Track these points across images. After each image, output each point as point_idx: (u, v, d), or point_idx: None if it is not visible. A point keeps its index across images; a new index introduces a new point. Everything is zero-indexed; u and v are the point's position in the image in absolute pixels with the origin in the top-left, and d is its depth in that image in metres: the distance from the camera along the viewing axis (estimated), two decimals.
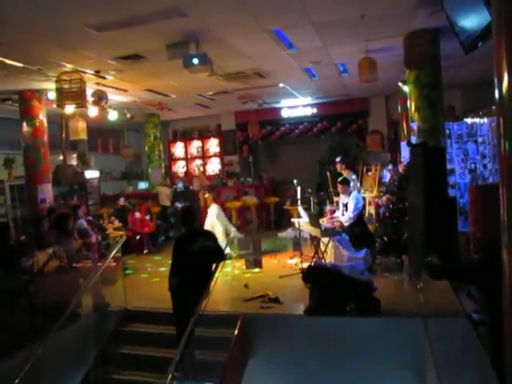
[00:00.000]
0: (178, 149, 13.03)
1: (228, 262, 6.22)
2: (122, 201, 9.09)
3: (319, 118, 11.61)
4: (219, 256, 4.25)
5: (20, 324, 4.17)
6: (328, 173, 8.68)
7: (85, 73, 6.24)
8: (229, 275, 6.25)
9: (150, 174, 11.58)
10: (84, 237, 5.95)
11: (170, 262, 4.17)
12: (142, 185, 12.10)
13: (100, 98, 6.65)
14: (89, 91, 6.53)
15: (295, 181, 8.05)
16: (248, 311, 4.77)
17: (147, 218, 9.24)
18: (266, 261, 6.78)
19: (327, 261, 5.77)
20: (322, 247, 6.16)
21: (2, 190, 8.60)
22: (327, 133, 11.29)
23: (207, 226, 7.12)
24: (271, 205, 10.77)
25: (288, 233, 9.36)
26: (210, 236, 4.31)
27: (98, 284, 4.96)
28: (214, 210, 7.39)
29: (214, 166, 12.71)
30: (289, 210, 9.54)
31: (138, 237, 8.57)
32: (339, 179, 6.23)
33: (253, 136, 11.56)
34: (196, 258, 4.05)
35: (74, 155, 10.92)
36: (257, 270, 6.40)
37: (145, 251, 8.54)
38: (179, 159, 13.01)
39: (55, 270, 4.98)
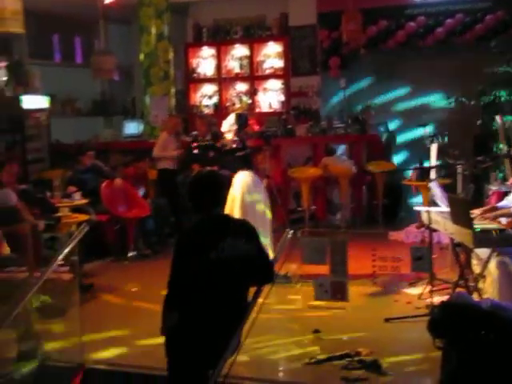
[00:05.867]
0: (204, 61, 13.18)
1: (281, 282, 6.24)
2: (90, 156, 9.29)
3: (491, 2, 11.32)
4: (264, 273, 4.25)
5: None
6: (499, 117, 8.58)
7: None
8: (283, 312, 6.34)
9: (147, 108, 11.79)
10: (8, 222, 6.10)
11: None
12: (132, 127, 12.35)
13: None
14: None
15: (428, 129, 7.91)
16: None
17: (139, 191, 9.41)
18: (358, 288, 6.85)
19: (484, 296, 5.69)
20: (476, 267, 6.12)
21: None
22: (504, 35, 11.09)
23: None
24: (380, 177, 10.73)
25: (408, 234, 9.35)
26: (248, 232, 4.27)
27: (29, 314, 5.06)
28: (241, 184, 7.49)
29: (271, 97, 12.75)
30: (413, 187, 9.57)
31: (117, 226, 8.85)
32: None
33: (351, 39, 11.50)
34: (218, 276, 4.08)
35: (2, 64, 11.23)
36: (338, 304, 6.41)
37: (130, 254, 8.83)
38: (205, 81, 13.22)
39: None
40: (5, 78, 11.11)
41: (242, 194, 7.48)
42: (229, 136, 7.88)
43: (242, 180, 7.55)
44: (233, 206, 7.42)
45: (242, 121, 7.92)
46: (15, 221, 6.37)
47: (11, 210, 6.48)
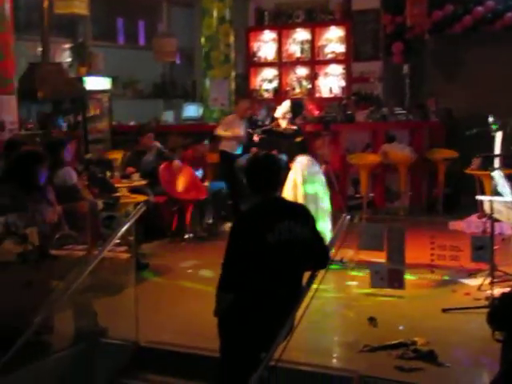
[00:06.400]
0: (265, 45, 13.16)
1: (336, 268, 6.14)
2: (150, 138, 9.37)
3: None
4: (319, 258, 4.26)
5: None
6: None
7: None
8: (338, 297, 6.41)
9: (207, 91, 11.84)
10: (68, 200, 6.15)
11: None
12: (192, 110, 12.43)
13: None
14: None
15: (491, 118, 7.72)
16: (371, 372, 4.78)
17: (197, 173, 9.47)
18: (416, 277, 6.85)
19: None
20: None
21: None
22: None
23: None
24: (441, 165, 10.60)
25: (469, 223, 9.17)
26: (304, 216, 4.28)
27: (86, 292, 5.11)
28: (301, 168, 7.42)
29: (332, 82, 12.71)
30: (476, 177, 9.35)
31: (175, 208, 8.93)
32: None
33: (415, 24, 11.43)
34: (274, 258, 4.08)
35: (66, 46, 11.43)
36: (394, 292, 6.37)
37: (186, 236, 8.91)
38: (266, 65, 13.19)
39: (12, 259, 5.15)
40: (69, 59, 11.37)
41: (303, 178, 7.47)
42: (283, 123, 7.85)
43: (301, 164, 7.53)
44: (295, 192, 7.43)
45: (296, 108, 7.88)
46: (75, 199, 6.47)
47: (71, 189, 6.58)
